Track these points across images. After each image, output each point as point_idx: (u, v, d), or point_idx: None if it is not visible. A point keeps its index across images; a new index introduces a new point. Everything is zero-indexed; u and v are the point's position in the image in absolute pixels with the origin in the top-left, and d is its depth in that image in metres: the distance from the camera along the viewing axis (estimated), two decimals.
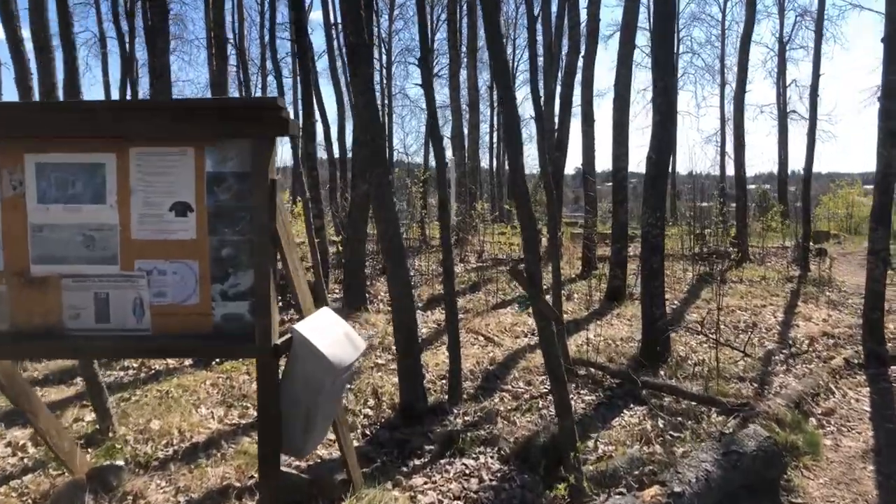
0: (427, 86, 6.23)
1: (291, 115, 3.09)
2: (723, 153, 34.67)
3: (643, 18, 30.62)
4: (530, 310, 4.53)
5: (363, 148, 5.97)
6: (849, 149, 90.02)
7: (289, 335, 3.11)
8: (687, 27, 36.36)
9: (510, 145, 4.31)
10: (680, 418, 5.94)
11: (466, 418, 6.01)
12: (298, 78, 11.08)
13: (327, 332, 3.24)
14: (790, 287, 13.91)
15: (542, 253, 15.19)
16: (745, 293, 12.77)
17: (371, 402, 6.36)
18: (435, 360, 7.68)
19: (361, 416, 6.03)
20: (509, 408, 6.43)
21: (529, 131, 35.13)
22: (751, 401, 5.98)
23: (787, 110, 31.42)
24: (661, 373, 7.39)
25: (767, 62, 31.63)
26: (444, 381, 6.95)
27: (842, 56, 64.87)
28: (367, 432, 5.77)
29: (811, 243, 17.18)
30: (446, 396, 6.52)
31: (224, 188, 3.09)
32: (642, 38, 31.87)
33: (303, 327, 3.10)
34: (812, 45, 30.86)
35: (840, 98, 65.00)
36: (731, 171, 29.49)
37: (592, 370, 7.44)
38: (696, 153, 72.71)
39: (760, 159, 68.05)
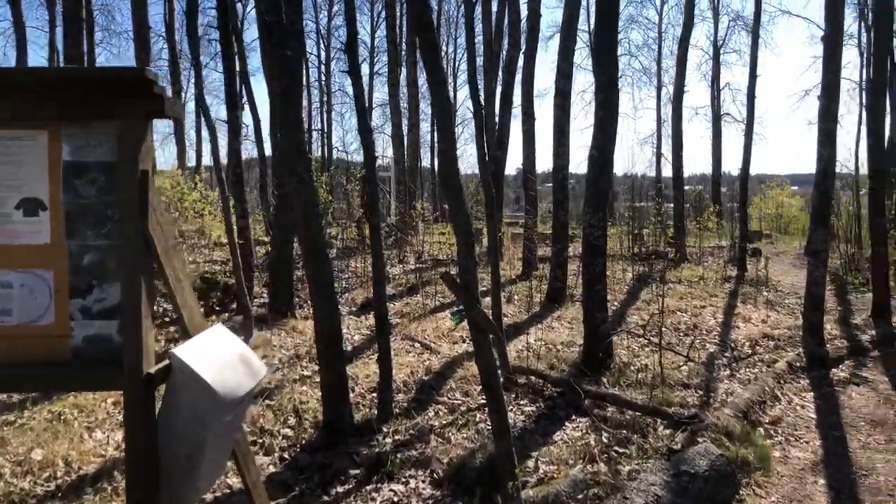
0: (353, 72, 5.71)
1: (169, 93, 2.52)
2: (659, 154, 35.16)
3: (583, 20, 30.67)
4: (466, 322, 4.06)
5: (283, 141, 5.40)
6: (777, 151, 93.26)
7: (167, 361, 2.55)
8: (625, 30, 36.58)
9: (442, 133, 3.84)
10: (625, 431, 5.59)
11: (397, 437, 5.51)
12: (222, 66, 10.30)
13: (217, 356, 2.69)
14: (728, 287, 13.92)
15: (481, 254, 14.85)
16: (684, 294, 12.68)
17: (292, 420, 5.79)
18: (366, 372, 7.16)
19: (280, 437, 5.45)
20: (445, 423, 5.96)
21: (472, 131, 34.89)
22: (699, 412, 5.67)
23: (721, 113, 32.02)
24: (604, 380, 7.06)
25: (702, 65, 32.23)
26: (374, 395, 6.43)
27: (772, 60, 67.06)
28: (286, 455, 5.20)
29: (746, 243, 17.35)
30: (376, 412, 6.01)
31: (86, 181, 2.50)
32: (581, 41, 31.99)
33: (185, 351, 2.54)
34: (745, 49, 31.76)
35: (769, 101, 67.06)
36: (667, 172, 29.93)
37: (533, 379, 7.04)
38: (633, 154, 73.81)
39: (695, 160, 69.46)
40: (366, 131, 5.74)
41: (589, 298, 7.57)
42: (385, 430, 5.65)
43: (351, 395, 6.59)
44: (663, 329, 9.16)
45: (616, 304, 11.65)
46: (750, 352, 8.55)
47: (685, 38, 18.67)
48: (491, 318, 7.48)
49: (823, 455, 5.48)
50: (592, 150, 7.51)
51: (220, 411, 2.59)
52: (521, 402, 6.57)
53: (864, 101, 25.14)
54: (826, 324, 9.26)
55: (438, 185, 37.20)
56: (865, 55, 25.08)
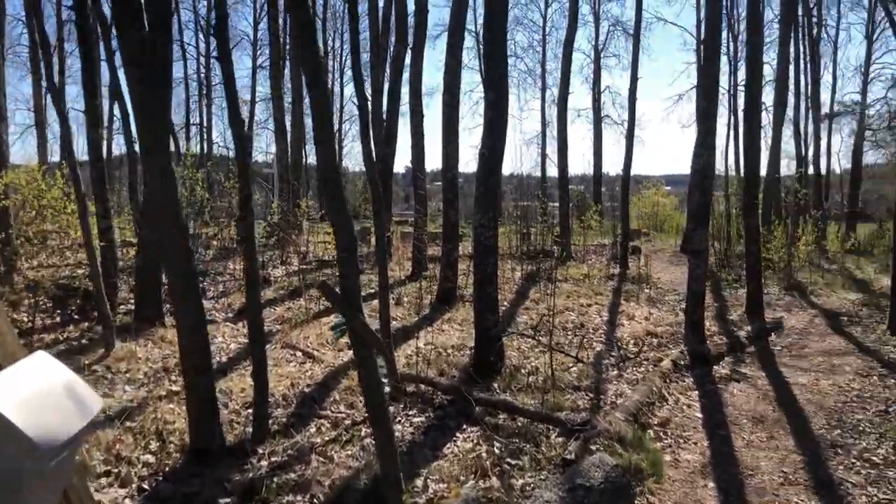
0: (223, 57, 5.14)
1: None
2: (544, 154, 35.88)
3: (471, 20, 30.80)
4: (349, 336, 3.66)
5: (142, 134, 4.78)
6: (653, 152, 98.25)
7: None
8: (511, 31, 37.11)
9: (317, 124, 3.42)
10: (517, 440, 5.37)
11: (274, 458, 5.02)
12: (79, 49, 9.28)
13: (33, 393, 2.15)
14: (612, 285, 14.22)
15: (370, 254, 14.40)
16: (571, 292, 12.79)
17: (154, 444, 5.16)
18: (241, 385, 6.58)
19: (140, 465, 4.82)
20: (327, 439, 5.52)
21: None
22: (591, 418, 5.54)
23: (602, 115, 33.19)
24: (496, 385, 6.84)
25: (584, 68, 33.10)
26: (250, 411, 5.89)
27: (648, 65, 70.48)
28: (147, 486, 4.59)
29: (628, 241, 17.87)
30: (252, 430, 5.49)
31: None
32: (470, 40, 32.15)
33: None
34: (624, 54, 33.02)
35: (646, 105, 70.53)
36: (551, 171, 30.57)
37: (423, 387, 6.72)
38: (520, 154, 75.34)
39: (578, 161, 71.84)
40: (237, 121, 5.20)
41: (480, 300, 7.34)
42: (260, 451, 5.15)
43: (224, 412, 6.03)
44: (553, 329, 9.15)
45: (506, 303, 11.55)
46: (636, 350, 8.64)
47: (569, 41, 18.98)
48: (379, 322, 7.11)
49: (711, 456, 5.48)
50: (483, 149, 7.29)
51: (38, 460, 2.06)
52: (410, 413, 6.23)
53: (732, 105, 26.78)
54: (705, 320, 9.53)
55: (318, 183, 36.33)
56: (733, 63, 26.68)
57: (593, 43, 31.87)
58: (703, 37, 9.21)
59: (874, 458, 5.42)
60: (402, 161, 48.36)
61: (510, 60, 36.27)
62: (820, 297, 13.64)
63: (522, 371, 7.31)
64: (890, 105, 28.22)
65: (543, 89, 36.00)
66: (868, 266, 18.48)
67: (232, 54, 5.66)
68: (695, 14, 29.85)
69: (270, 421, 5.85)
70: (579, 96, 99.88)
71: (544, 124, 36.20)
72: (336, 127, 39.36)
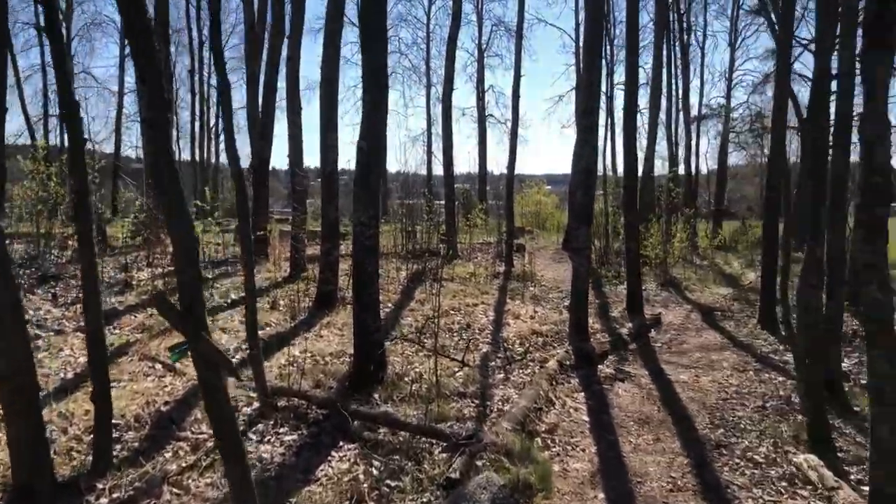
0: (49, 28, 4.36)
1: None
2: (429, 152, 35.82)
3: (352, 12, 30.04)
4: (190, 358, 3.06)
5: None
6: (535, 152, 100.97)
7: None
8: (395, 27, 36.69)
9: (150, 101, 2.82)
10: (398, 458, 4.94)
11: (116, 494, 4.35)
12: None
13: None
14: (498, 283, 14.09)
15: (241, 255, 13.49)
16: (457, 292, 12.51)
17: None
18: (86, 407, 5.72)
19: None
20: (185, 465, 4.87)
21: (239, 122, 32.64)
22: (477, 430, 5.18)
23: (486, 114, 33.45)
24: (377, 395, 6.38)
25: (468, 66, 33.12)
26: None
27: (530, 66, 72.00)
28: None
29: (512, 239, 17.88)
30: (92, 461, 4.74)
31: None
32: (353, 35, 31.47)
33: None
34: (506, 54, 33.36)
35: (528, 104, 72.27)
36: (437, 170, 30.46)
37: (296, 401, 6.15)
38: (406, 151, 75.16)
39: (463, 159, 72.63)
40: (68, 104, 4.43)
41: (360, 304, 6.84)
42: (100, 486, 4.44)
43: (62, 439, 5.25)
44: (438, 331, 8.80)
45: (390, 305, 11.10)
46: (522, 350, 8.45)
47: (453, 38, 18.77)
48: (246, 332, 6.45)
49: (600, 464, 5.27)
50: (361, 140, 6.79)
51: None
52: (281, 431, 5.66)
53: (609, 106, 27.61)
54: (588, 318, 9.49)
55: (199, 180, 34.47)
56: (609, 66, 27.50)
57: (477, 42, 32.01)
58: (583, 39, 9.12)
59: (757, 457, 5.41)
60: (285, 156, 46.81)
61: (395, 57, 36.00)
62: (694, 292, 14.13)
63: (406, 379, 6.87)
64: (751, 109, 30.19)
65: (428, 87, 35.89)
66: (735, 261, 19.51)
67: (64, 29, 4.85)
68: (574, 17, 30.55)
69: (119, 447, 5.14)
70: (464, 95, 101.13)
71: (429, 122, 36.14)
72: (212, 122, 37.51)
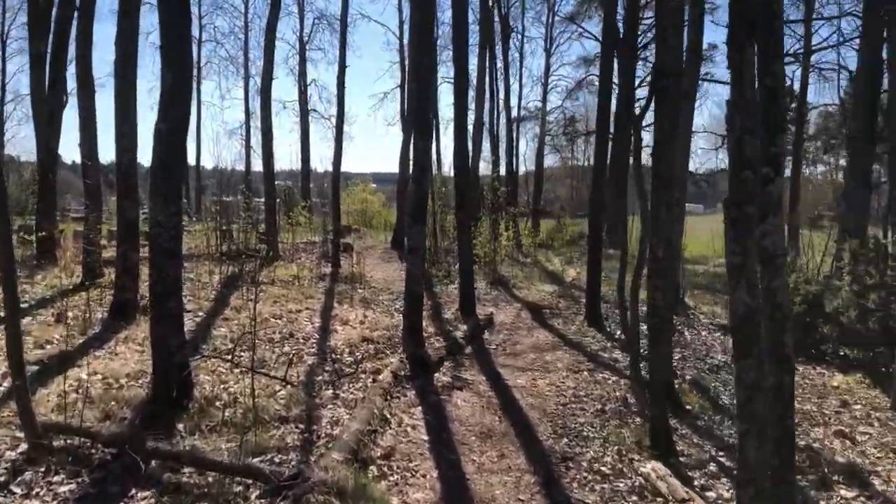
0: None
1: None
2: (248, 147, 33.93)
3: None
4: None
5: None
6: (362, 150, 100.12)
7: None
8: (210, 15, 34.29)
9: None
10: None
11: None
12: None
13: None
14: (324, 286, 13.22)
15: (30, 258, 11.51)
16: (278, 296, 11.49)
17: None
18: None
19: None
20: None
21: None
22: (303, 467, 4.41)
23: (309, 108, 32.23)
24: (181, 426, 5.38)
25: (290, 59, 31.72)
26: None
27: (355, 62, 71.02)
28: None
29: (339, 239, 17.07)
30: None
31: None
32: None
33: None
34: (329, 48, 32.38)
35: (353, 101, 71.13)
36: (258, 166, 28.74)
37: (78, 439, 4.99)
38: (222, 145, 71.15)
39: (286, 156, 70.27)
40: None
41: (160, 319, 5.76)
42: None
43: None
44: (257, 342, 7.89)
45: (201, 313, 9.86)
46: (352, 360, 7.77)
47: (272, 27, 17.52)
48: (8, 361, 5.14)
49: (443, 490, 4.73)
50: (160, 123, 5.72)
51: None
52: (55, 480, 4.54)
53: (435, 104, 27.57)
54: (422, 321, 8.99)
55: None
56: (434, 63, 27.47)
57: (298, 34, 30.66)
58: (410, 36, 8.62)
59: (604, 468, 5.15)
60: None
61: (209, 46, 33.74)
62: (522, 290, 14.20)
63: (218, 403, 5.90)
64: (565, 112, 31.75)
65: (247, 78, 33.97)
66: (555, 259, 20.14)
67: None
68: (398, 14, 30.21)
69: None
70: (286, 88, 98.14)
71: (248, 115, 34.21)
72: None
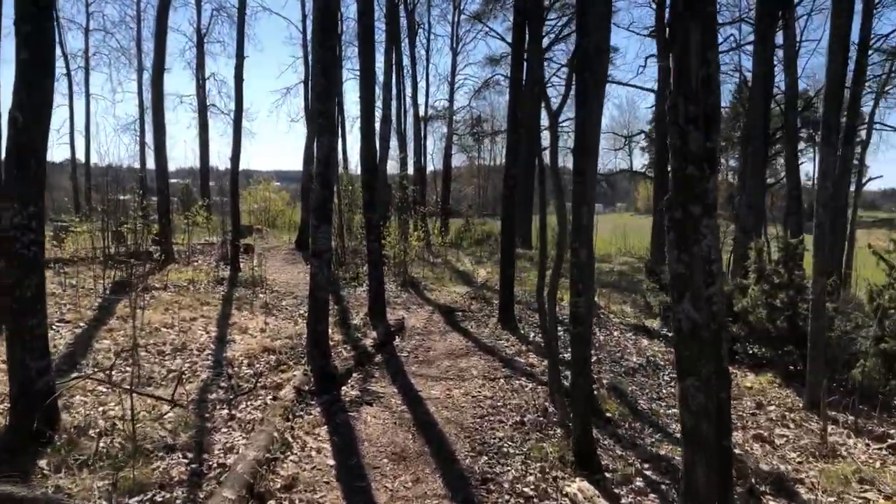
0: None
1: None
2: (142, 143, 31.87)
3: None
4: None
5: None
6: (263, 147, 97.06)
7: None
8: (98, 2, 32.09)
9: None
10: None
11: None
12: None
13: None
14: (222, 291, 12.34)
15: None
16: (171, 303, 10.57)
17: None
18: None
19: None
20: None
21: None
22: None
23: (208, 103, 30.70)
24: (44, 462, 4.60)
25: (187, 52, 30.04)
26: None
27: (256, 56, 68.65)
28: None
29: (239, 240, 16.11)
30: None
31: None
32: None
33: None
34: (228, 41, 30.86)
35: (254, 96, 68.53)
36: (151, 163, 27.03)
37: None
38: (111, 141, 67.10)
39: (183, 154, 67.13)
40: None
41: (16, 340, 4.94)
42: None
43: None
44: (143, 353, 7.12)
45: (82, 324, 8.86)
46: (251, 373, 7.10)
47: (164, 9, 16.33)
48: None
49: None
50: (14, 110, 4.91)
51: None
52: None
53: (339, 103, 26.79)
54: (329, 330, 8.38)
55: None
56: (339, 59, 26.67)
57: (196, 26, 29.05)
58: (313, 29, 8.01)
59: (527, 489, 4.76)
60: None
61: (99, 35, 31.58)
62: (433, 291, 13.79)
63: (91, 432, 5.13)
64: (472, 112, 31.64)
65: (140, 71, 31.86)
66: (465, 258, 19.87)
67: None
68: (300, 8, 29.19)
69: None
70: (184, 82, 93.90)
71: (142, 109, 32.08)
72: None
